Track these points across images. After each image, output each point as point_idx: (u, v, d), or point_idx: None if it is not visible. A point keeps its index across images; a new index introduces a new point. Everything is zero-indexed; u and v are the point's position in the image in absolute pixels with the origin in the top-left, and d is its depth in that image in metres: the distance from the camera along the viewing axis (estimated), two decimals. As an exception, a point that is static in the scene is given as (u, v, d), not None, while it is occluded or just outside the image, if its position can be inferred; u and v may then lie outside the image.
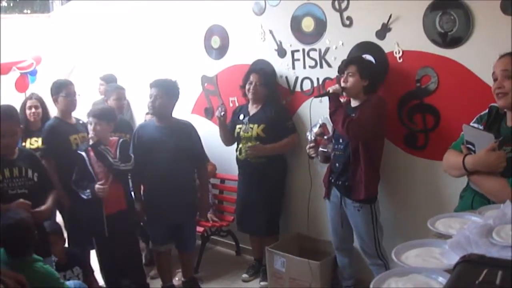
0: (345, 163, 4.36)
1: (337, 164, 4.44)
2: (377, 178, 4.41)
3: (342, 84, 4.29)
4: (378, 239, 4.39)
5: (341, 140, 4.38)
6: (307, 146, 4.60)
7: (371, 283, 1.74)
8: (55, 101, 5.19)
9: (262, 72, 5.32)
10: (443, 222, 2.32)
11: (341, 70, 4.43)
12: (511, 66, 2.76)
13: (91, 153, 4.73)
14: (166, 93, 4.85)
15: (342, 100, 4.40)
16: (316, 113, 4.60)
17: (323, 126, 4.54)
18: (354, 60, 4.42)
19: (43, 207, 4.08)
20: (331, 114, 4.29)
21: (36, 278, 3.29)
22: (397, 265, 1.94)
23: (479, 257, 1.41)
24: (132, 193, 5.07)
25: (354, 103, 4.36)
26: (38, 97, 5.69)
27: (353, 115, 4.21)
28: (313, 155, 4.58)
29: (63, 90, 5.13)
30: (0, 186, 3.94)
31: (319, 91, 5.08)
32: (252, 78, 5.25)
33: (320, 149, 4.52)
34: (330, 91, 4.28)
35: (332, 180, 4.54)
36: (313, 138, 4.54)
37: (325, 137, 4.50)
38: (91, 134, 4.79)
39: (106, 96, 5.97)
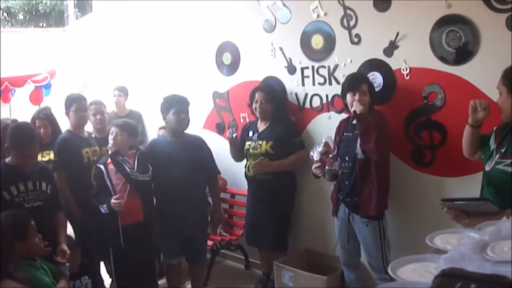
0: (354, 180, 4.40)
1: (346, 182, 4.48)
2: (387, 194, 4.45)
3: (359, 105, 4.18)
4: (386, 254, 4.40)
5: (347, 158, 4.42)
6: (313, 166, 4.56)
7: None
8: (67, 115, 5.26)
9: (267, 90, 5.38)
10: (442, 238, 2.36)
11: (352, 88, 4.36)
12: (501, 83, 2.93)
13: (109, 166, 4.81)
14: None
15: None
16: (325, 129, 4.66)
17: (326, 144, 4.54)
18: (364, 78, 4.48)
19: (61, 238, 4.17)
20: (362, 134, 4.23)
21: None
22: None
23: (455, 270, 1.46)
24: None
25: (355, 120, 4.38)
26: (45, 115, 5.53)
27: (356, 132, 4.26)
28: (320, 175, 4.55)
29: (74, 105, 5.19)
30: (16, 200, 4.01)
31: (328, 107, 5.14)
32: (257, 96, 5.31)
33: (327, 168, 4.49)
34: (358, 112, 4.18)
35: (341, 197, 4.58)
36: (318, 157, 4.53)
37: (330, 155, 4.50)
38: (110, 143, 4.87)
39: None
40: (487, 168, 3.11)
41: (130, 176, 4.75)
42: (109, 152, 4.87)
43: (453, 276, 1.42)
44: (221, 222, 5.58)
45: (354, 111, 4.19)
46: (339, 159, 4.43)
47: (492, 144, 3.16)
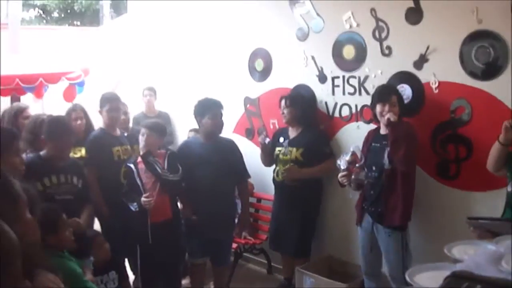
0: (379, 190, 4.44)
1: (372, 192, 4.52)
2: (412, 205, 4.48)
3: (393, 114, 4.29)
4: (407, 266, 4.40)
5: (374, 168, 4.47)
6: (340, 175, 4.63)
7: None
8: (101, 113, 5.36)
9: (293, 95, 5.47)
10: (459, 248, 2.41)
11: (383, 98, 4.44)
12: None
13: (140, 165, 4.91)
14: None
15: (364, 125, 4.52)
16: (354, 139, 4.72)
17: (354, 154, 4.60)
18: (394, 90, 4.55)
19: (81, 220, 4.27)
20: (393, 143, 4.30)
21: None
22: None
23: (464, 273, 1.53)
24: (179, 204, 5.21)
25: (383, 131, 4.47)
26: (81, 108, 5.75)
27: (384, 142, 4.33)
28: (346, 183, 4.63)
29: (107, 104, 5.29)
30: (47, 191, 4.14)
31: (356, 117, 5.19)
32: (283, 101, 5.38)
33: (353, 177, 4.57)
34: (392, 119, 4.28)
35: (365, 207, 4.62)
36: (345, 166, 4.60)
37: (357, 165, 4.56)
38: (141, 144, 4.98)
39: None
40: (509, 188, 3.12)
41: (162, 176, 4.85)
42: (140, 152, 4.98)
43: (461, 278, 1.49)
44: (247, 226, 5.65)
45: (388, 119, 4.27)
46: (365, 169, 4.49)
47: None
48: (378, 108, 4.42)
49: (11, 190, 1.71)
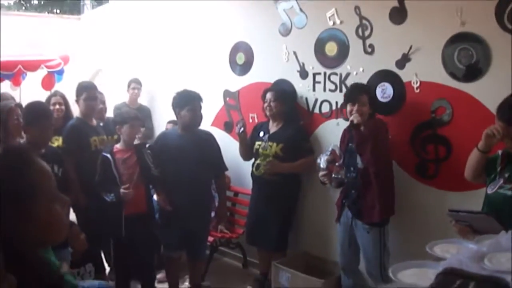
0: (360, 189, 4.46)
1: (352, 191, 4.54)
2: (392, 201, 4.52)
3: (358, 116, 4.30)
4: (384, 262, 4.45)
5: (352, 168, 4.49)
6: (320, 174, 4.69)
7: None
8: (77, 102, 5.34)
9: (277, 89, 5.48)
10: (441, 247, 2.43)
11: (352, 98, 4.46)
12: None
13: (117, 156, 4.88)
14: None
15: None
16: (333, 135, 4.75)
17: (333, 152, 4.64)
18: (365, 89, 4.57)
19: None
20: (357, 145, 4.37)
21: None
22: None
23: (456, 270, 1.54)
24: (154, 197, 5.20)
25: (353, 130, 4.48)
26: (62, 95, 5.76)
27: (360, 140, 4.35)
28: (326, 182, 4.69)
29: (84, 93, 5.27)
30: None
31: (337, 114, 5.21)
32: (268, 96, 5.39)
33: (333, 176, 4.62)
34: (355, 122, 4.31)
35: (346, 203, 4.64)
36: (325, 165, 4.64)
37: (337, 163, 4.61)
38: (127, 136, 4.92)
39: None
40: (489, 191, 3.11)
41: (151, 170, 4.87)
42: (120, 143, 4.97)
43: (453, 275, 1.50)
44: (224, 219, 5.66)
45: (351, 121, 4.32)
46: (345, 168, 4.52)
47: (498, 167, 3.17)
48: (348, 107, 4.45)
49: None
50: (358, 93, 4.45)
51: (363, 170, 4.38)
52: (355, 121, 4.29)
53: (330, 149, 4.69)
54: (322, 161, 4.67)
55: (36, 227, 1.43)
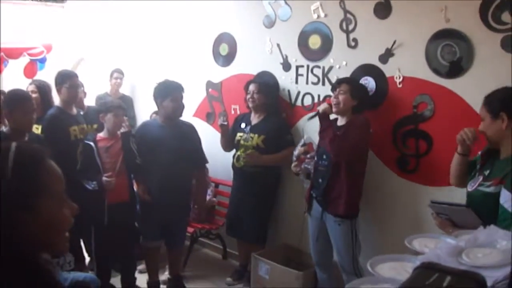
0: (328, 178, 4.46)
1: (320, 180, 4.53)
2: (359, 195, 4.53)
3: (333, 101, 4.44)
4: (356, 256, 4.48)
5: (324, 156, 4.49)
6: (292, 164, 4.76)
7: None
8: (59, 91, 5.28)
9: (260, 82, 5.47)
10: (420, 241, 2.45)
11: (332, 88, 4.61)
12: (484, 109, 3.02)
13: (100, 144, 4.86)
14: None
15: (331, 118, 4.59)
16: (314, 128, 4.75)
17: (308, 144, 4.69)
18: (347, 79, 4.63)
19: None
20: (321, 132, 4.48)
21: None
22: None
23: (433, 264, 1.56)
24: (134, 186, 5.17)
25: (340, 122, 4.51)
26: (38, 84, 5.64)
27: (338, 132, 4.37)
28: (299, 172, 4.73)
29: (67, 81, 5.22)
30: None
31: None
32: (250, 87, 5.39)
33: (303, 165, 4.67)
34: (320, 111, 4.51)
35: (314, 195, 4.65)
36: (296, 155, 4.71)
37: (308, 155, 4.65)
38: (111, 124, 4.91)
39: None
40: (469, 188, 3.10)
41: (136, 159, 4.89)
42: (105, 131, 4.97)
43: (430, 269, 1.51)
44: (204, 208, 5.66)
45: (317, 109, 4.52)
46: (316, 158, 4.56)
47: (477, 165, 3.18)
48: (332, 97, 4.53)
49: None
50: (337, 83, 4.55)
51: (335, 161, 4.38)
52: (320, 110, 4.50)
53: (303, 141, 4.76)
54: (296, 152, 4.74)
55: (41, 229, 1.41)
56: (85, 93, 6.11)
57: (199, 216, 5.72)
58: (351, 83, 4.53)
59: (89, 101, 6.36)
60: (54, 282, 1.46)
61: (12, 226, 1.34)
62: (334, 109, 4.47)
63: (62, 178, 1.52)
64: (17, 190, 1.35)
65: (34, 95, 5.45)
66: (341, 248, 4.51)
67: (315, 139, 4.72)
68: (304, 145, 4.73)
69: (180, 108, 5.06)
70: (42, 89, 5.54)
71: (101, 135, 4.98)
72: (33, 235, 1.38)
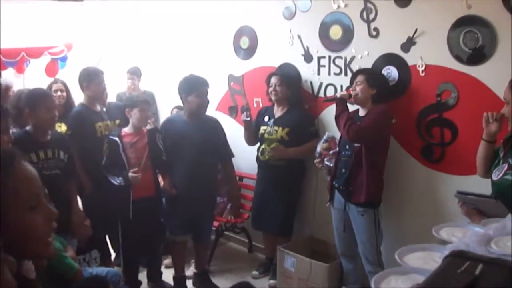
0: (351, 168, 4.47)
1: (343, 170, 4.55)
2: (380, 184, 4.51)
3: (352, 93, 4.47)
4: (379, 246, 4.49)
5: (347, 146, 4.50)
6: (315, 160, 4.84)
7: (372, 279, 1.87)
8: (86, 88, 5.27)
9: (282, 74, 5.45)
10: (447, 230, 2.43)
11: (351, 82, 4.64)
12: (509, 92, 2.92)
13: (124, 139, 4.89)
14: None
15: (349, 106, 4.61)
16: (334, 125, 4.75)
17: (330, 141, 4.71)
18: (362, 70, 4.65)
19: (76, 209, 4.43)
20: (336, 118, 4.50)
21: None
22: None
23: (464, 252, 1.54)
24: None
25: (362, 112, 4.52)
26: (63, 82, 5.74)
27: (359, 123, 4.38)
28: (322, 168, 4.84)
29: (96, 78, 5.25)
30: (35, 167, 4.07)
31: (341, 98, 5.20)
32: (272, 80, 5.37)
33: (325, 162, 4.70)
34: (338, 96, 4.55)
35: (336, 185, 4.65)
36: (318, 151, 4.78)
37: (331, 151, 4.67)
38: (137, 120, 4.93)
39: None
40: (494, 177, 3.04)
41: (162, 155, 4.93)
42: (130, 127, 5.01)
43: (461, 257, 1.50)
44: (238, 203, 5.64)
45: (336, 95, 4.65)
46: (339, 147, 4.65)
47: (500, 153, 3.13)
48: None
49: None
50: (354, 75, 4.60)
51: (358, 149, 4.39)
52: (338, 95, 4.60)
53: (326, 137, 4.84)
54: (318, 148, 4.81)
55: (12, 238, 1.36)
56: (107, 93, 6.15)
57: (235, 210, 5.70)
58: (366, 73, 4.55)
59: (109, 98, 6.38)
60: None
61: None
62: (354, 100, 4.49)
63: (37, 181, 1.47)
64: None
65: (62, 93, 5.52)
66: (364, 239, 4.51)
67: (337, 135, 4.73)
68: (326, 141, 4.75)
69: (205, 103, 5.05)
70: (66, 86, 5.62)
71: (126, 130, 5.00)
72: (5, 244, 1.33)
